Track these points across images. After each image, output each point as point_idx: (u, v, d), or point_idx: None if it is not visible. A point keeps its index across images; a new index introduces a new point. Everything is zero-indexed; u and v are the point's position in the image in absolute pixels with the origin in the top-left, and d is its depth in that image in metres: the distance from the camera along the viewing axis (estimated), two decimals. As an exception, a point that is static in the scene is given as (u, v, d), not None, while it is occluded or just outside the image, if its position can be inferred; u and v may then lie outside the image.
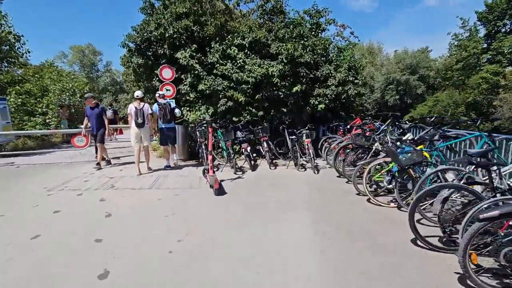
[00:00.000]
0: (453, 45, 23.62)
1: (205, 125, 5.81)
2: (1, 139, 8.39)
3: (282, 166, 6.24)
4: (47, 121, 11.04)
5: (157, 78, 7.00)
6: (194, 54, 6.72)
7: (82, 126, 6.56)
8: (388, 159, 3.72)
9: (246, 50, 6.83)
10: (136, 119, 5.40)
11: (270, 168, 5.98)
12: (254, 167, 6.00)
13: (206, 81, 6.62)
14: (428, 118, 4.43)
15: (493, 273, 2.00)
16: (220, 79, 6.64)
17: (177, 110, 6.17)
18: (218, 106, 6.71)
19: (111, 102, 22.39)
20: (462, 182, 2.68)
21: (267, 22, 7.31)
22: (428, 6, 51.03)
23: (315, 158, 5.78)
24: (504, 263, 1.86)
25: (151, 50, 7.16)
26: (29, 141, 9.92)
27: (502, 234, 1.92)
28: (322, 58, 7.58)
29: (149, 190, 4.49)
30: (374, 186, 4.05)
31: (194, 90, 6.86)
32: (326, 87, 7.12)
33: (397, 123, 5.26)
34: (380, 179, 3.97)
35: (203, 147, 5.97)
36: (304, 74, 6.87)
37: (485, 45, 21.03)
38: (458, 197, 2.66)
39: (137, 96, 5.58)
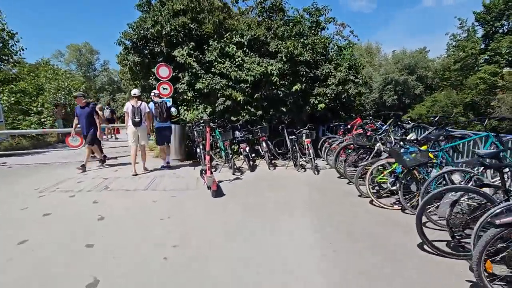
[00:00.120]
0: (451, 45, 23.70)
1: (202, 124, 5.68)
2: (-7, 139, 8.19)
3: (281, 166, 6.12)
4: (42, 120, 10.84)
5: (154, 77, 6.86)
6: (192, 52, 6.58)
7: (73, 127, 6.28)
8: (392, 160, 3.61)
9: (245, 48, 6.69)
10: (133, 118, 5.28)
11: (269, 169, 5.86)
12: (252, 168, 5.87)
13: (204, 79, 6.48)
14: (432, 118, 4.33)
15: (508, 281, 1.89)
16: (218, 77, 6.50)
17: (173, 109, 6.07)
18: (216, 105, 6.57)
19: (108, 101, 22.17)
20: (470, 184, 2.58)
21: (266, 19, 7.18)
22: (426, 6, 51.26)
23: (315, 158, 5.67)
24: (521, 271, 1.76)
25: (147, 48, 7.01)
26: (24, 140, 9.71)
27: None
28: (322, 57, 7.48)
29: (145, 191, 4.34)
30: (377, 187, 3.95)
31: (191, 88, 6.73)
32: (326, 86, 7.01)
33: (399, 123, 5.16)
34: (383, 180, 3.86)
35: (201, 147, 5.84)
36: (304, 73, 6.76)
37: (483, 46, 21.10)
38: (467, 200, 2.54)
39: (134, 94, 5.46)
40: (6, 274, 2.21)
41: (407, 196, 3.43)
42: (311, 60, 6.83)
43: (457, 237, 2.23)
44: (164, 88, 6.75)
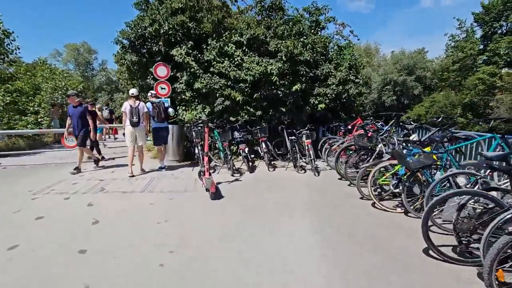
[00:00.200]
0: (450, 46, 23.70)
1: (201, 125, 5.59)
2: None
3: (281, 167, 6.04)
4: (39, 120, 10.70)
5: (151, 76, 6.76)
6: (190, 51, 6.48)
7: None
8: (394, 162, 3.54)
9: (244, 48, 6.60)
10: (131, 118, 5.19)
11: (268, 170, 5.77)
12: (252, 169, 5.78)
13: (202, 79, 6.38)
14: (434, 119, 4.26)
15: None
16: (217, 77, 6.41)
17: (170, 110, 6.00)
18: (215, 105, 6.48)
19: (107, 101, 21.99)
20: (477, 187, 2.50)
21: (265, 18, 7.09)
22: (424, 7, 51.39)
23: (315, 159, 5.59)
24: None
25: (145, 47, 6.92)
26: (21, 140, 9.57)
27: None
28: (322, 57, 7.41)
29: (141, 193, 4.24)
30: (379, 189, 3.88)
31: (190, 88, 6.63)
32: (326, 86, 6.94)
33: (401, 123, 5.09)
34: (385, 182, 3.78)
35: (199, 147, 5.74)
36: (304, 72, 6.68)
37: (482, 46, 21.11)
38: (473, 203, 2.47)
39: (132, 94, 5.37)
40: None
41: (410, 199, 3.35)
42: (311, 59, 6.76)
43: (465, 243, 2.15)
44: (162, 88, 6.65)
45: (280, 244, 2.67)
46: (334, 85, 6.88)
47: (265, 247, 2.62)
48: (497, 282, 1.75)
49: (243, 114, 6.54)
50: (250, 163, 5.89)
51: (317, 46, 7.04)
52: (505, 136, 3.19)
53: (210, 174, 4.16)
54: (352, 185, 4.55)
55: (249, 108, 6.55)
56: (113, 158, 7.12)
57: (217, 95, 6.44)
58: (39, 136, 10.30)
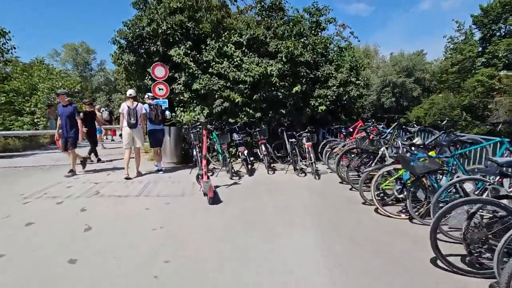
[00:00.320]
0: (449, 48, 23.74)
1: (199, 126, 5.47)
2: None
3: (280, 170, 5.93)
4: (35, 121, 10.54)
5: (149, 77, 6.64)
6: (189, 51, 6.37)
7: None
8: (398, 166, 3.43)
9: (244, 48, 6.49)
10: (129, 119, 5.08)
11: (268, 173, 5.66)
12: (251, 172, 5.66)
13: (201, 80, 6.27)
14: (439, 121, 4.16)
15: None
16: (216, 78, 6.29)
17: (167, 113, 5.95)
18: (214, 106, 6.36)
19: (107, 102, 21.85)
20: (486, 194, 2.40)
21: (265, 19, 6.99)
22: (423, 10, 51.60)
23: (316, 162, 5.48)
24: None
25: (143, 47, 6.80)
26: (17, 141, 9.40)
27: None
28: (322, 58, 7.32)
29: (137, 197, 4.11)
30: (381, 194, 3.78)
31: (188, 89, 6.52)
32: (327, 87, 6.84)
33: (403, 126, 4.99)
34: (389, 187, 3.68)
35: (197, 150, 5.62)
36: (304, 74, 6.58)
37: (480, 49, 21.15)
38: (481, 211, 2.36)
39: (130, 94, 5.27)
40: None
41: (414, 205, 3.25)
42: (311, 61, 6.66)
43: (476, 254, 2.05)
44: (160, 89, 6.54)
45: (281, 254, 2.56)
46: (334, 87, 6.78)
47: (264, 255, 2.52)
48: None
49: (242, 116, 6.43)
50: (249, 166, 5.77)
51: (317, 47, 6.95)
52: (514, 140, 3.11)
53: (208, 178, 4.04)
54: (353, 189, 4.44)
55: (248, 109, 6.44)
56: (110, 160, 6.98)
57: (216, 96, 6.32)
58: (35, 137, 10.14)
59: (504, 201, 2.23)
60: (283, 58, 6.21)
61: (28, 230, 3.01)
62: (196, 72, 6.31)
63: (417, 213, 3.17)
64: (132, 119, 5.09)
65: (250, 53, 6.53)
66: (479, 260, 2.09)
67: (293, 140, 5.68)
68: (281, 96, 6.47)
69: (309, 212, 3.60)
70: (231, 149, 6.30)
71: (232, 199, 4.07)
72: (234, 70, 6.24)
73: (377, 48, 33.29)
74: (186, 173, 5.64)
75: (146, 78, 6.79)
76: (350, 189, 4.53)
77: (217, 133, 5.82)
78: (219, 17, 6.67)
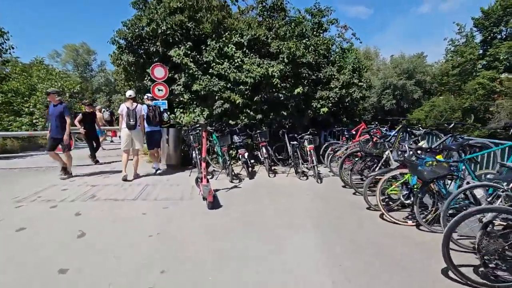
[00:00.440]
0: (450, 50, 23.70)
1: (199, 128, 5.36)
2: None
3: (281, 173, 5.80)
4: (34, 121, 10.43)
5: (149, 77, 6.54)
6: (189, 52, 6.27)
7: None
8: (405, 171, 3.31)
9: (245, 49, 6.39)
10: (128, 121, 4.98)
11: (269, 176, 5.53)
12: (251, 175, 5.54)
13: (201, 81, 6.16)
14: (446, 124, 4.05)
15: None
16: (216, 79, 6.19)
17: (165, 115, 5.88)
18: (214, 108, 6.25)
19: (107, 103, 21.76)
20: (499, 201, 2.28)
21: (267, 19, 6.90)
22: (423, 13, 51.72)
23: (318, 165, 5.36)
24: None
25: (142, 47, 6.71)
26: (16, 142, 9.28)
27: None
28: (325, 59, 7.22)
29: (134, 201, 3.98)
30: (386, 199, 3.65)
31: (188, 90, 6.42)
32: (329, 89, 6.74)
33: (408, 129, 4.87)
34: (394, 192, 3.56)
35: (197, 152, 5.51)
36: (306, 75, 6.48)
37: (481, 51, 21.11)
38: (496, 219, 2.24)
39: (130, 95, 5.18)
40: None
41: (421, 210, 3.13)
42: (313, 62, 6.57)
43: (491, 266, 1.92)
44: (159, 90, 6.43)
45: (282, 262, 2.44)
46: (337, 89, 6.68)
47: (264, 263, 2.41)
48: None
49: (243, 118, 6.32)
50: (250, 169, 5.65)
51: (319, 48, 6.86)
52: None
53: (208, 181, 3.92)
54: (357, 193, 4.32)
55: (249, 111, 6.32)
56: (109, 163, 6.85)
57: (216, 97, 6.21)
58: (34, 138, 10.02)
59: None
60: (285, 59, 6.11)
61: (19, 235, 2.88)
62: (196, 73, 6.21)
63: (424, 220, 3.05)
64: (131, 120, 5.00)
65: (251, 54, 6.43)
66: (495, 272, 1.96)
67: (295, 142, 5.56)
68: (282, 98, 6.36)
69: (311, 215, 3.53)
70: (231, 151, 6.19)
71: (232, 202, 3.96)
72: (235, 71, 6.13)
73: (377, 51, 33.33)
74: (185, 175, 5.52)
75: (146, 78, 6.68)
76: (354, 193, 4.41)
77: (217, 135, 5.71)
78: (219, 17, 6.58)
